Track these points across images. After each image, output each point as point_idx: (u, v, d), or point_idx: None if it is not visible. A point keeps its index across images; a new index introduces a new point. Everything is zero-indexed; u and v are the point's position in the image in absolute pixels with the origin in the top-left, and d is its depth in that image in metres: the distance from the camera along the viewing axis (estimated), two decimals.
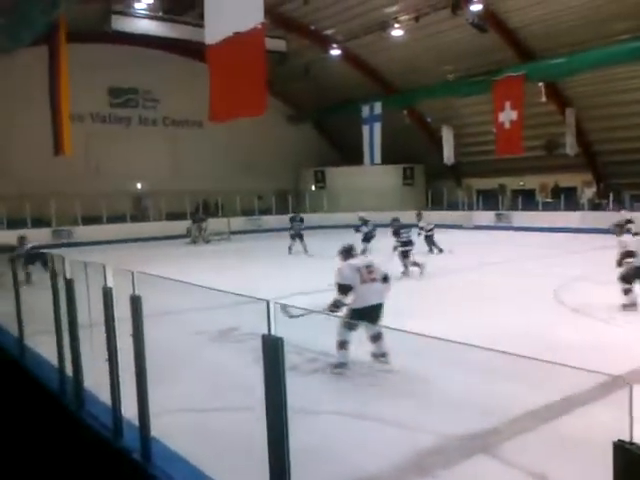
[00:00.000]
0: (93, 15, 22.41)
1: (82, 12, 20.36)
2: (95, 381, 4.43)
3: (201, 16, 11.06)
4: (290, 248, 19.27)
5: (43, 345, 6.07)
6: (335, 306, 6.35)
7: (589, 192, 27.25)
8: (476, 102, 27.53)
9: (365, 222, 18.42)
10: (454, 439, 4.65)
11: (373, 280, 6.55)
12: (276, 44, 25.48)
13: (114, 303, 3.86)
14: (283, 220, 30.65)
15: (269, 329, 2.41)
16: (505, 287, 11.67)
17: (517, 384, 5.25)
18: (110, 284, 3.77)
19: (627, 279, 9.27)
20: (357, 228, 18.25)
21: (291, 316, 4.23)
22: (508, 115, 23.42)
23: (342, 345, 6.27)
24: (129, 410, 3.82)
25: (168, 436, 3.88)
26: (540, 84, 24.32)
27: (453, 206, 30.82)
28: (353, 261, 6.83)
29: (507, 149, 24.13)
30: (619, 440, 1.57)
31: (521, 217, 27.07)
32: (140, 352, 3.43)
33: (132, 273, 3.42)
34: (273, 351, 2.43)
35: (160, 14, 23.66)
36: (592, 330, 8.17)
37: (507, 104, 23.46)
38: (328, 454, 4.32)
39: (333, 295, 6.42)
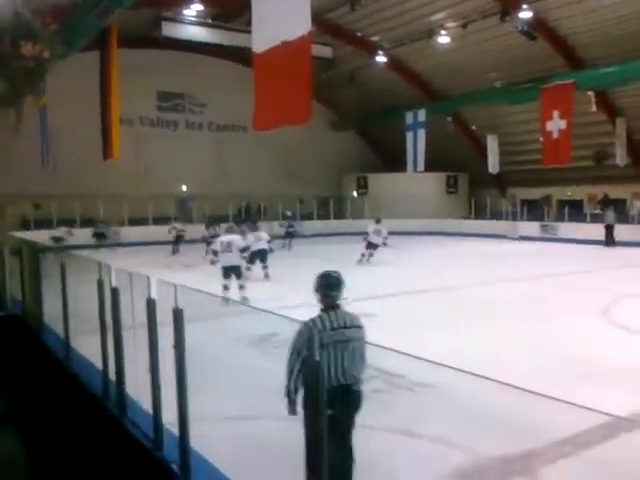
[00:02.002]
0: (144, 21, 22.93)
1: (133, 18, 20.83)
2: (137, 387, 4.50)
3: (248, 22, 11.16)
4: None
5: (87, 345, 6.22)
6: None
7: (639, 204, 26.43)
8: (522, 110, 27.05)
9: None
10: (493, 460, 4.56)
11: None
12: (322, 50, 25.59)
13: (157, 312, 3.91)
14: (326, 225, 30.88)
15: (311, 353, 2.41)
16: (551, 302, 11.39)
17: (559, 405, 5.12)
18: (153, 295, 3.82)
19: None
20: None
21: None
22: (556, 124, 22.91)
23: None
24: (169, 414, 3.86)
25: (207, 446, 3.91)
26: (590, 93, 23.76)
27: (497, 216, 30.33)
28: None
29: (554, 159, 23.59)
30: None
31: (568, 228, 26.45)
32: (181, 365, 3.47)
33: (175, 286, 3.46)
34: (314, 374, 2.41)
35: (209, 21, 24.05)
36: None
37: (555, 113, 22.95)
38: (364, 469, 4.28)
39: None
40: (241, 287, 11.59)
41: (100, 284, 4.83)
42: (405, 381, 6.31)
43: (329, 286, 3.96)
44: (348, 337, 3.82)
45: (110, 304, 4.53)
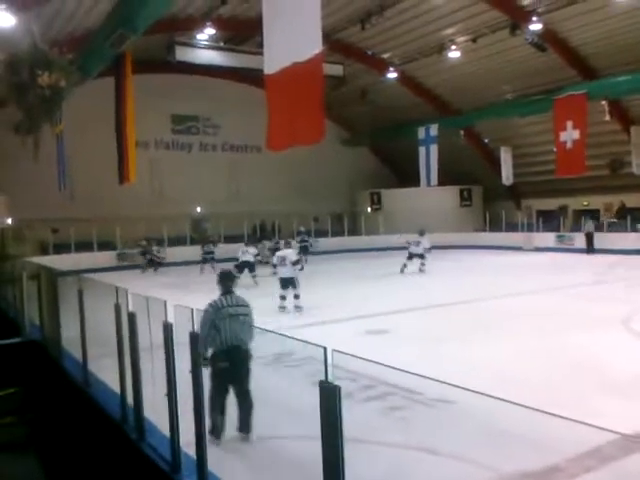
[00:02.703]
0: (157, 46, 23.29)
1: (147, 43, 21.18)
2: (155, 411, 4.53)
3: (260, 44, 11.30)
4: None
5: (105, 370, 6.27)
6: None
7: None
8: (535, 122, 26.99)
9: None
10: (514, 476, 4.50)
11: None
12: (333, 69, 25.75)
13: (174, 336, 3.95)
14: (341, 242, 30.87)
15: (326, 376, 2.41)
16: (570, 313, 11.28)
17: (579, 418, 5.05)
18: (170, 319, 3.86)
19: None
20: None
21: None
22: (570, 134, 22.83)
23: None
24: (186, 436, 3.88)
25: (224, 468, 3.91)
26: (603, 102, 23.65)
27: (512, 228, 30.11)
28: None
29: (569, 169, 23.47)
30: None
31: (585, 239, 26.18)
32: (198, 390, 3.49)
33: (191, 310, 3.49)
34: (330, 399, 2.42)
35: (221, 44, 24.37)
36: None
37: (569, 123, 22.89)
38: None
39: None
40: (296, 296, 12.65)
41: (117, 309, 4.88)
42: (423, 397, 6.26)
43: (226, 279, 5.73)
44: (239, 312, 5.42)
45: (127, 328, 4.58)
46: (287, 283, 12.64)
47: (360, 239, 31.52)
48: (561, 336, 9.28)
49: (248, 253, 18.35)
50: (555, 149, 23.76)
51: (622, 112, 25.15)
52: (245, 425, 5.21)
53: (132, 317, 4.47)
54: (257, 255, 19.10)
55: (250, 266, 18.00)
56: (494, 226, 30.92)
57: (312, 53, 8.82)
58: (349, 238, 31.90)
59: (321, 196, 32.49)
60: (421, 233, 19.86)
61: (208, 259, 22.78)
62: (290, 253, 13.09)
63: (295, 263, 12.78)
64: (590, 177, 25.40)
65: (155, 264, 24.33)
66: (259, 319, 5.71)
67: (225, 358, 5.03)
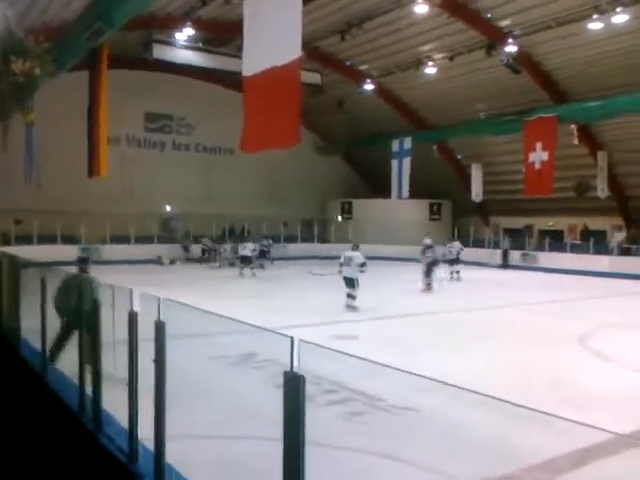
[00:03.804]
0: (134, 42, 23.09)
1: (124, 39, 20.97)
2: (115, 402, 4.47)
3: (239, 48, 11.33)
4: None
5: (65, 360, 6.17)
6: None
7: (619, 236, 26.84)
8: (507, 141, 27.53)
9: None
10: None
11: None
12: (311, 77, 25.88)
13: (138, 326, 3.92)
14: (308, 248, 30.91)
15: (291, 366, 2.43)
16: (528, 329, 11.50)
17: (535, 431, 5.16)
18: (136, 308, 3.83)
19: None
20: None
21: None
22: (539, 156, 23.33)
23: None
24: (145, 431, 3.84)
25: (183, 463, 3.89)
26: (572, 126, 24.24)
27: (479, 244, 30.55)
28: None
29: (536, 189, 23.98)
30: None
31: (548, 258, 26.72)
32: (161, 379, 3.47)
33: (158, 299, 3.48)
34: (294, 388, 2.43)
35: (200, 45, 24.28)
36: (620, 379, 7.99)
37: (538, 145, 23.39)
38: None
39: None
40: (352, 296, 13.38)
41: (80, 297, 4.82)
42: (385, 404, 6.31)
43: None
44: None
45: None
46: (349, 282, 13.42)
47: (330, 247, 31.56)
48: (523, 349, 9.46)
49: (246, 248, 21.43)
50: (524, 169, 24.25)
51: (590, 137, 25.82)
52: None
53: (95, 305, 4.42)
54: (254, 250, 21.99)
55: (248, 260, 21.31)
56: (462, 241, 31.30)
57: (291, 58, 8.89)
58: (318, 245, 31.97)
59: (292, 202, 32.54)
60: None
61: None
62: (357, 256, 13.66)
63: (361, 265, 13.47)
64: (556, 199, 26.01)
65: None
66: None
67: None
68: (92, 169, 18.00)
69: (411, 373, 2.51)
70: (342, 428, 5.75)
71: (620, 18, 19.22)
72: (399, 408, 6.20)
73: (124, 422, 4.10)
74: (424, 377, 2.50)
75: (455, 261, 21.64)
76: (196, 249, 27.80)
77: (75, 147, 20.95)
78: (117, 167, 24.83)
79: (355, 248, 14.27)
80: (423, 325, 12.01)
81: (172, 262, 26.21)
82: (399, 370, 2.60)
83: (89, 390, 4.76)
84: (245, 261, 21.51)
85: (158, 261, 25.90)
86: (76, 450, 4.44)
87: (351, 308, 13.30)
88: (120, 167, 26.59)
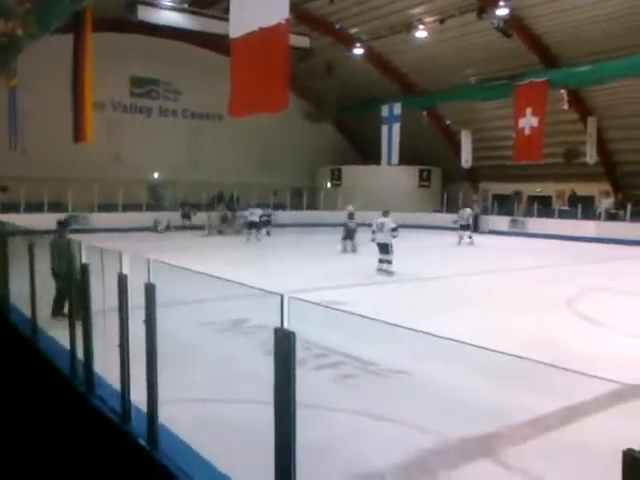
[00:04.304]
0: (119, 4, 22.55)
1: (108, 1, 20.49)
2: (106, 366, 4.48)
3: (226, 10, 11.09)
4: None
5: (56, 328, 6.16)
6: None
7: (606, 202, 26.99)
8: (497, 106, 27.38)
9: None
10: (458, 441, 4.66)
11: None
12: (299, 41, 25.45)
13: (128, 290, 3.90)
14: (297, 216, 30.85)
15: (282, 323, 2.43)
16: (518, 294, 11.61)
17: (526, 391, 5.26)
18: (125, 271, 3.81)
19: None
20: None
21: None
22: (529, 121, 23.24)
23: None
24: (138, 396, 3.86)
25: (175, 424, 3.92)
26: (562, 91, 24.13)
27: (464, 206, 30.51)
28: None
29: (526, 155, 23.96)
30: (629, 449, 1.56)
31: (536, 224, 26.86)
32: (152, 339, 3.47)
33: (148, 260, 3.46)
34: (285, 345, 2.44)
35: (186, 6, 23.74)
36: (605, 340, 8.12)
37: (528, 110, 23.28)
38: (331, 449, 4.35)
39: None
40: (388, 262, 13.69)
41: (70, 261, 4.78)
42: (377, 368, 6.38)
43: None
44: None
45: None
46: (383, 248, 13.76)
47: (319, 214, 31.54)
48: (510, 313, 9.57)
49: (254, 214, 22.44)
50: (514, 135, 24.18)
51: (580, 102, 25.73)
52: None
53: (85, 269, 4.39)
54: (261, 216, 22.96)
55: (256, 225, 22.38)
56: (451, 207, 31.37)
57: (279, 19, 8.73)
58: (308, 212, 31.91)
59: (281, 169, 32.36)
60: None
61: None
62: (388, 221, 13.99)
63: (393, 230, 13.81)
64: (545, 165, 26.03)
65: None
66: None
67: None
68: (78, 134, 17.74)
69: (415, 331, 2.52)
70: (333, 391, 5.81)
71: None
72: (391, 371, 6.28)
73: (116, 385, 4.11)
74: (435, 336, 2.51)
75: (466, 227, 22.61)
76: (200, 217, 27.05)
77: (60, 112, 20.58)
78: (103, 133, 24.48)
79: (386, 214, 14.58)
80: (407, 292, 12.07)
81: (167, 228, 26.05)
82: (406, 328, 2.59)
83: (80, 354, 4.76)
84: (253, 226, 22.35)
85: (154, 227, 25.72)
86: (69, 412, 4.46)
87: (386, 272, 13.62)
88: (106, 133, 26.23)
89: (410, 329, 2.53)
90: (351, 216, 18.82)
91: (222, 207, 28.17)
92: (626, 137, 25.76)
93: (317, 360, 6.47)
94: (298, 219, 30.44)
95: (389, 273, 13.60)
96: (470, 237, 22.26)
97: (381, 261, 13.85)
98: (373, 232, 14.12)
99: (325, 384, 5.86)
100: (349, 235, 18.45)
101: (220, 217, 26.80)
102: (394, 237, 13.81)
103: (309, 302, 2.52)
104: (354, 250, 18.35)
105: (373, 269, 14.58)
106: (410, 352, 6.85)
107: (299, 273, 13.98)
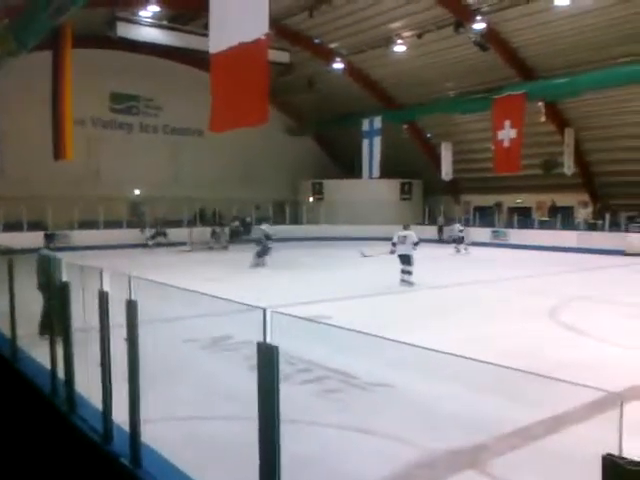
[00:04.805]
0: (98, 21, 22.54)
1: (87, 17, 20.46)
2: (87, 385, 4.42)
3: (205, 26, 11.15)
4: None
5: (37, 347, 6.06)
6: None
7: (584, 212, 27.35)
8: (476, 119, 27.71)
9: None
10: (444, 454, 4.65)
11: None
12: (280, 56, 25.65)
13: (110, 307, 3.86)
14: (280, 230, 30.77)
15: (264, 337, 2.42)
16: (501, 304, 11.68)
17: (509, 401, 5.27)
18: (106, 288, 3.77)
19: None
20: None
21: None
22: (507, 133, 23.56)
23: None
24: (120, 416, 3.82)
25: (158, 442, 3.87)
26: (540, 104, 24.51)
27: (450, 222, 30.85)
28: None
29: (505, 167, 24.26)
30: (608, 454, 1.58)
31: (517, 235, 27.12)
32: (134, 356, 3.43)
33: (129, 277, 3.43)
34: (268, 359, 2.43)
35: (165, 23, 23.79)
36: (588, 348, 8.18)
37: (507, 122, 23.62)
38: (317, 464, 4.32)
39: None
40: (409, 272, 14.08)
41: (49, 278, 4.72)
42: (359, 381, 6.36)
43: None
44: None
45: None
46: (405, 259, 14.15)
47: (302, 228, 31.58)
48: (493, 323, 9.62)
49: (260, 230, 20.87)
50: (493, 147, 24.48)
51: (557, 114, 26.15)
52: None
53: (65, 287, 4.34)
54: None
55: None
56: (433, 220, 31.60)
57: (258, 34, 8.77)
58: (290, 227, 31.90)
59: (263, 184, 32.36)
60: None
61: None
62: (411, 234, 14.58)
63: (415, 244, 14.39)
64: (525, 176, 26.37)
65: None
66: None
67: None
68: (58, 152, 17.63)
69: (396, 342, 2.52)
70: (318, 405, 5.78)
71: None
72: (374, 384, 6.26)
73: (98, 404, 4.05)
74: (417, 346, 2.51)
75: (459, 240, 23.79)
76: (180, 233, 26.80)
77: (39, 130, 20.48)
78: (83, 150, 24.34)
79: (407, 227, 15.15)
80: (391, 304, 12.08)
81: (156, 236, 25.82)
82: (391, 341, 2.59)
83: (62, 374, 4.69)
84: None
85: (146, 243, 25.49)
86: (50, 432, 4.38)
87: (407, 283, 13.94)
88: (86, 150, 26.07)
89: (392, 340, 2.52)
90: (268, 237, 18.79)
91: (235, 222, 28.24)
92: (602, 148, 26.20)
93: (301, 375, 6.44)
94: (281, 233, 30.38)
95: (410, 284, 13.95)
96: (466, 249, 23.34)
97: (403, 272, 14.20)
98: (394, 244, 14.50)
99: (309, 399, 5.83)
100: (264, 252, 18.38)
101: (210, 232, 26.67)
102: (415, 250, 14.38)
103: (292, 316, 2.52)
104: (264, 265, 18.35)
105: (356, 282, 14.59)
106: (393, 364, 6.85)
107: (283, 287, 13.96)
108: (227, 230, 26.86)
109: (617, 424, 1.64)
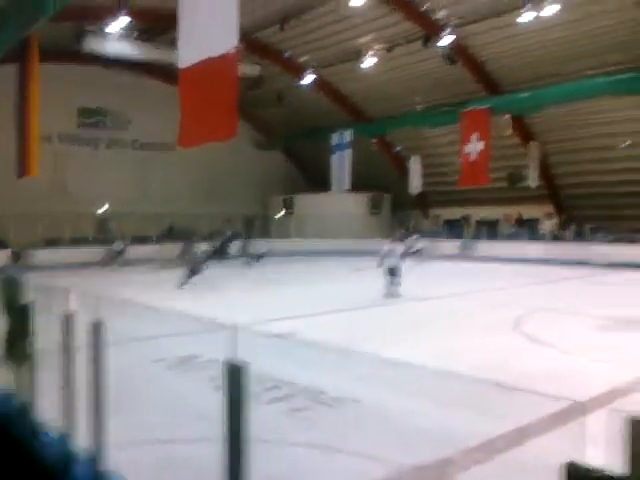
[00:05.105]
0: (66, 34, 22.28)
1: (55, 31, 20.19)
2: (50, 409, 4.29)
3: (174, 40, 11.08)
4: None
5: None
6: None
7: (549, 223, 27.81)
8: (444, 133, 28.12)
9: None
10: (411, 469, 4.63)
11: None
12: (250, 69, 25.68)
13: (75, 328, 3.75)
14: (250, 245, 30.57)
15: (232, 356, 2.37)
16: (468, 317, 11.75)
17: (475, 412, 5.29)
18: (71, 309, 3.67)
19: None
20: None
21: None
22: (475, 146, 23.93)
23: None
24: (84, 441, 3.70)
25: (123, 468, 3.76)
26: (506, 117, 24.99)
27: (406, 236, 30.71)
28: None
29: (472, 180, 24.59)
30: (571, 461, 1.57)
31: (485, 247, 27.33)
32: (99, 380, 3.34)
33: (95, 297, 3.35)
34: (235, 379, 2.38)
35: (134, 36, 23.63)
36: (552, 360, 8.27)
37: (474, 136, 23.99)
38: None
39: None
40: (396, 284, 14.33)
41: (12, 300, 4.58)
42: (327, 397, 6.30)
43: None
44: None
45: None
46: (392, 271, 14.40)
47: (272, 243, 31.36)
48: (457, 337, 9.67)
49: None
50: (461, 160, 24.80)
51: (523, 127, 26.65)
52: None
53: (27, 309, 4.21)
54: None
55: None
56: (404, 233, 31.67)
57: (227, 49, 8.74)
58: (261, 241, 31.66)
59: (232, 198, 32.22)
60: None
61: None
62: (397, 247, 15.13)
63: (401, 256, 14.92)
64: (492, 189, 26.76)
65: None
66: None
67: None
68: (22, 169, 17.26)
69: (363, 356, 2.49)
70: (286, 424, 5.70)
71: (551, 10, 19.91)
72: (341, 401, 6.21)
73: (60, 429, 3.93)
74: (384, 361, 2.48)
75: (416, 252, 24.06)
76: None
77: (2, 145, 20.04)
78: (49, 165, 23.91)
79: (396, 239, 16.01)
80: (361, 319, 12.07)
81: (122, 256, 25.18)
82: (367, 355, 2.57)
83: (23, 398, 4.54)
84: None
85: (111, 261, 24.73)
86: (9, 460, 4.23)
87: (394, 295, 14.20)
88: (53, 165, 25.63)
89: (359, 355, 2.50)
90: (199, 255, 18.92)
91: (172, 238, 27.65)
92: (569, 160, 26.69)
93: (269, 393, 6.35)
94: (251, 248, 30.20)
95: (397, 295, 14.20)
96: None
97: (390, 284, 14.40)
98: (381, 257, 14.80)
99: (277, 417, 5.75)
100: (195, 271, 18.13)
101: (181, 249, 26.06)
102: (402, 262, 14.89)
103: (259, 334, 2.47)
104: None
105: (327, 299, 14.52)
106: (361, 379, 6.83)
107: (256, 303, 13.85)
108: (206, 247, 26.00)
109: (580, 434, 1.63)
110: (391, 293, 14.27)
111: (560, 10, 19.90)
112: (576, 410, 5.42)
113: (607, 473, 1.55)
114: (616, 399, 6.14)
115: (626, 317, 11.32)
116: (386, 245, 15.16)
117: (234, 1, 8.21)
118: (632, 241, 23.08)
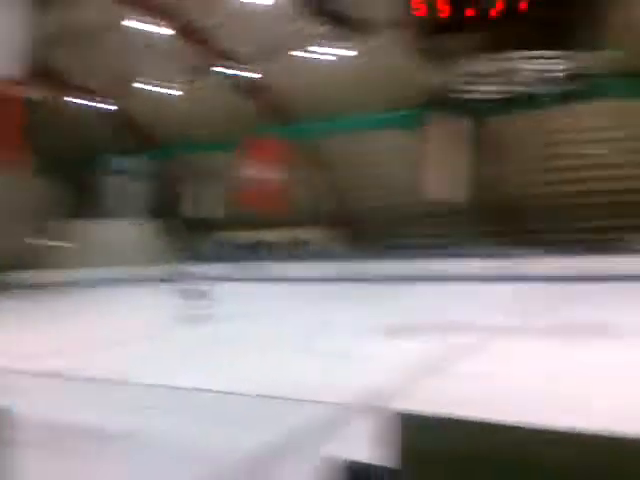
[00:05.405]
0: None
1: None
2: None
3: None
4: None
5: None
6: None
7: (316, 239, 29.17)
8: (231, 158, 28.56)
9: None
10: None
11: None
12: (28, 93, 23.74)
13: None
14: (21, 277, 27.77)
15: None
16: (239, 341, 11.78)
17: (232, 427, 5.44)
18: None
19: None
20: None
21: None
22: (262, 173, 24.77)
23: None
24: None
25: None
26: (291, 146, 26.20)
27: (203, 258, 30.50)
28: None
29: (261, 204, 25.35)
30: (349, 460, 1.73)
31: (271, 269, 27.74)
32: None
33: None
34: None
35: None
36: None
37: (262, 163, 24.89)
38: None
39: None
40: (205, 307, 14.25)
41: None
42: (102, 433, 5.87)
43: None
44: None
45: None
46: (201, 294, 14.68)
47: (48, 274, 28.74)
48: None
49: None
50: (251, 185, 25.45)
51: (313, 155, 28.16)
52: None
53: None
54: None
55: None
56: (198, 257, 31.10)
57: (5, 72, 8.34)
58: (34, 273, 28.88)
59: (2, 228, 28.92)
60: None
61: None
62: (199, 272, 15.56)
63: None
64: (279, 212, 27.59)
65: None
66: None
67: None
68: None
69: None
70: (56, 467, 5.16)
71: (344, 48, 21.82)
72: (116, 435, 5.81)
73: None
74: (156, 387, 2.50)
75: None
76: None
77: None
78: None
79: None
80: (147, 345, 11.73)
81: None
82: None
83: None
84: None
85: None
86: None
87: (201, 317, 14.02)
88: None
89: (143, 385, 2.49)
90: None
91: None
92: (359, 186, 28.30)
93: (36, 437, 5.67)
94: (22, 280, 27.46)
95: (206, 317, 14.00)
96: None
97: (196, 307, 14.43)
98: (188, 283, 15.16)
99: (46, 462, 5.18)
100: None
101: None
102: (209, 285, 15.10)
103: (27, 374, 2.37)
104: None
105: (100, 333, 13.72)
106: (134, 409, 6.58)
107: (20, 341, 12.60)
108: None
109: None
110: (195, 316, 14.06)
111: (349, 49, 21.65)
112: (342, 413, 5.87)
113: (382, 468, 1.76)
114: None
115: None
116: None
117: (16, 27, 7.88)
118: None
